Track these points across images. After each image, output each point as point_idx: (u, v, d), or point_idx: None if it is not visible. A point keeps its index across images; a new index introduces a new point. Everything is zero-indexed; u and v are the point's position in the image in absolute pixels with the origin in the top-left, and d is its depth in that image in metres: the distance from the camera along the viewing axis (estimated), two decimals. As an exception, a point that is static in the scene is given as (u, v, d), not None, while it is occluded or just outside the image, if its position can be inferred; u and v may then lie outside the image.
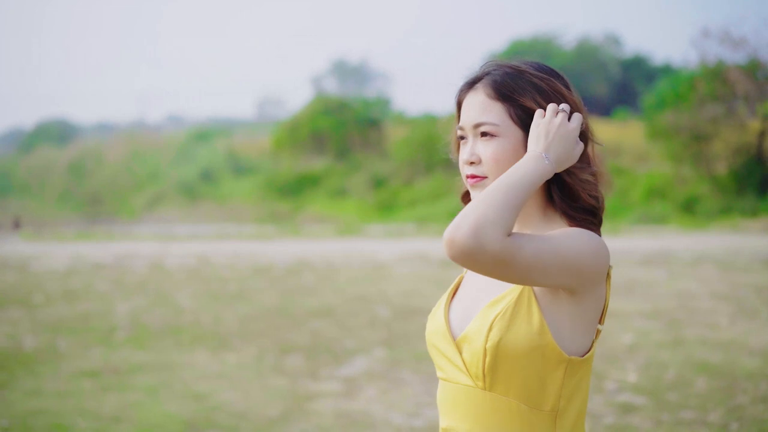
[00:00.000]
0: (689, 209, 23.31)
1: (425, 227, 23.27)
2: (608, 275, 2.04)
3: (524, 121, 2.06)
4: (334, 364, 7.70)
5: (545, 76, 2.10)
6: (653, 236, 19.04)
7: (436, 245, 17.38)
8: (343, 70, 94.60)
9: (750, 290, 11.17)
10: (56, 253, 16.46)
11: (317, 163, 37.58)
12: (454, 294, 2.23)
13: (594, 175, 2.08)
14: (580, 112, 2.08)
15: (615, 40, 56.70)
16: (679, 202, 23.95)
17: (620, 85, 51.90)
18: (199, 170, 42.32)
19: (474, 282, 2.16)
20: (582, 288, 1.97)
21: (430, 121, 37.29)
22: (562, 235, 1.95)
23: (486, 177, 2.07)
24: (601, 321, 2.06)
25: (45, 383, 7.05)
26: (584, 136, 2.09)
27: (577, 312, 2.00)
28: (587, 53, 53.60)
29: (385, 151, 36.68)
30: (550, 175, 1.97)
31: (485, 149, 2.07)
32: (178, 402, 6.52)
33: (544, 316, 1.98)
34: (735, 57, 24.64)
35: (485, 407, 2.04)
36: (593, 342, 2.05)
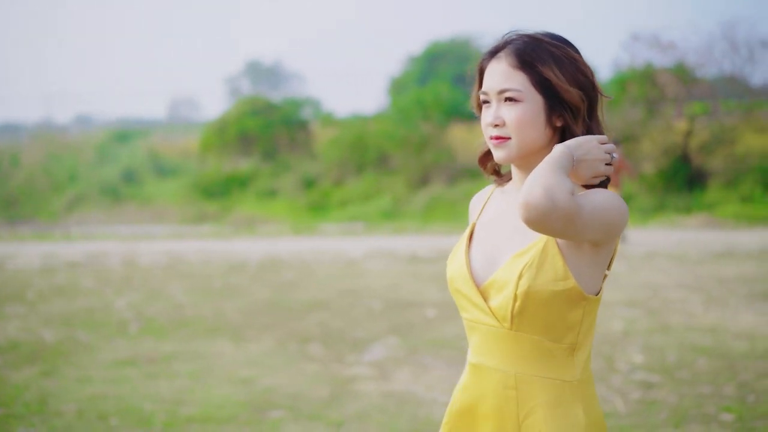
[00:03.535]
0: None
1: (377, 226, 23.72)
2: None
3: (545, 87, 2.29)
4: (355, 351, 8.14)
5: (559, 44, 2.32)
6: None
7: (399, 242, 17.88)
8: (257, 71, 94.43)
9: (712, 281, 11.90)
10: (21, 252, 16.51)
11: (245, 164, 37.69)
12: (470, 240, 2.48)
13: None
14: (591, 75, 2.33)
15: (517, 29, 57.62)
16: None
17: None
18: (121, 171, 42.01)
19: (493, 231, 2.42)
20: (606, 240, 2.24)
21: (358, 121, 37.75)
22: (600, 196, 2.20)
23: (509, 138, 2.31)
24: (608, 267, 2.33)
25: (90, 372, 7.36)
26: (592, 100, 2.34)
27: (595, 260, 2.26)
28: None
29: (314, 151, 36.98)
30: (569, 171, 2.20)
31: (509, 113, 2.30)
32: (228, 386, 6.90)
33: (567, 263, 2.24)
34: (663, 60, 25.69)
35: (511, 344, 2.30)
36: (602, 284, 2.32)
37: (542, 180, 2.09)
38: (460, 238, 2.48)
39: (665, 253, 15.12)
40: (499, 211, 2.45)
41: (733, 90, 27.64)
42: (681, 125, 25.77)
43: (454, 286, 2.42)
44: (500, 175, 2.52)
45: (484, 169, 2.52)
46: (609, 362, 7.60)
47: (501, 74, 2.31)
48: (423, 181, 31.23)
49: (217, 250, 16.46)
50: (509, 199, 2.44)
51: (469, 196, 17.46)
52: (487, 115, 2.35)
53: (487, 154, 2.49)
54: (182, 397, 6.60)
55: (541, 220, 2.08)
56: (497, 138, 2.33)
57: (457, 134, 32.36)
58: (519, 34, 2.35)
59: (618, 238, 2.29)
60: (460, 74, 48.58)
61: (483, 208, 2.53)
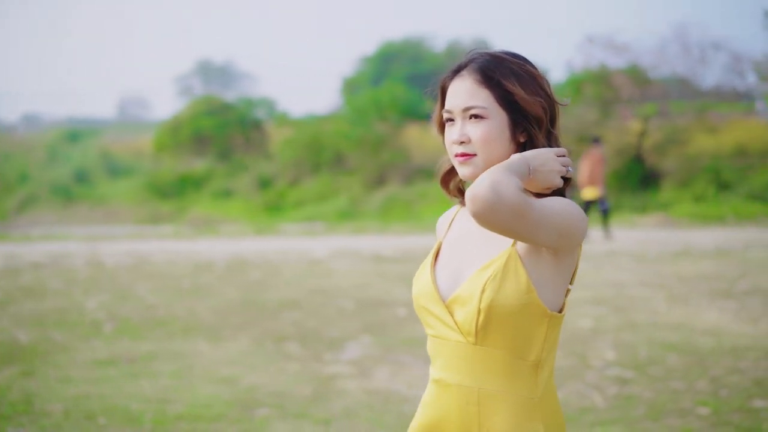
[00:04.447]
0: (581, 207, 24.54)
1: (337, 226, 23.80)
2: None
3: (508, 103, 2.33)
4: (333, 350, 8.24)
5: (519, 60, 2.37)
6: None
7: (361, 242, 17.99)
8: (207, 70, 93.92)
9: (673, 279, 12.15)
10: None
11: (199, 164, 37.57)
12: (435, 258, 2.50)
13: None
14: (549, 88, 2.38)
15: (484, 44, 58.36)
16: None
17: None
18: (72, 171, 41.70)
19: (458, 248, 2.44)
20: (565, 248, 2.27)
21: (314, 121, 37.80)
22: (558, 201, 2.24)
23: (475, 155, 2.34)
24: (571, 281, 2.37)
25: (70, 372, 7.38)
26: (553, 112, 2.39)
27: (557, 271, 2.29)
28: (457, 56, 54.43)
29: (269, 151, 36.98)
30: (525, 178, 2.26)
31: (475, 130, 2.33)
32: (211, 385, 6.97)
33: (529, 276, 2.26)
34: (617, 62, 26.10)
35: (476, 359, 2.31)
36: (565, 300, 2.35)
37: (490, 175, 2.13)
38: (427, 256, 2.52)
39: (625, 251, 15.38)
40: (464, 229, 2.48)
41: (685, 91, 28.11)
42: (635, 126, 26.17)
43: (420, 303, 2.44)
44: (464, 194, 2.55)
45: (447, 190, 2.55)
46: (582, 359, 7.77)
47: (465, 92, 2.35)
48: (379, 181, 31.37)
49: (181, 250, 16.46)
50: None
51: (424, 196, 17.63)
52: (452, 133, 2.38)
53: (449, 174, 2.53)
54: (167, 396, 6.66)
55: (487, 213, 2.11)
56: (463, 155, 2.36)
57: (413, 134, 32.54)
58: (480, 53, 2.40)
59: (578, 250, 2.34)
60: (413, 74, 48.87)
61: (449, 226, 2.56)
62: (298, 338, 8.72)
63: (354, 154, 32.43)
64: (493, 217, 2.12)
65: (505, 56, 2.38)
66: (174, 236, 20.34)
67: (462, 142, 2.35)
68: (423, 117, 33.48)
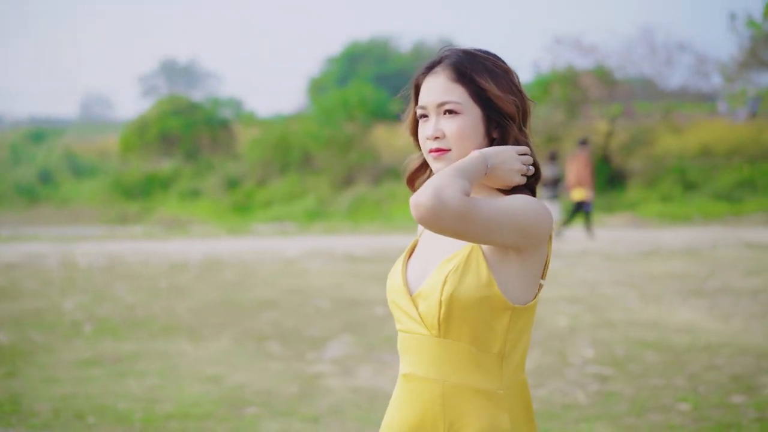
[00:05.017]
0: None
1: (308, 226, 23.84)
2: (550, 237, 2.36)
3: (482, 99, 2.37)
4: (314, 349, 8.31)
5: (492, 58, 2.41)
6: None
7: (333, 242, 18.04)
8: (172, 69, 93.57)
9: (644, 278, 12.33)
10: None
11: (166, 165, 37.44)
12: (410, 255, 2.53)
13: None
14: (520, 84, 2.43)
15: (450, 45, 58.32)
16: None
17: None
18: (37, 172, 41.41)
19: (429, 244, 2.46)
20: (528, 246, 2.29)
21: (281, 121, 37.80)
22: (512, 200, 2.27)
23: (450, 150, 2.36)
24: (543, 276, 2.39)
25: (54, 372, 7.40)
26: (525, 109, 2.43)
27: (523, 268, 2.31)
28: (423, 56, 54.99)
29: (236, 152, 36.92)
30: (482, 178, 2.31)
31: (449, 125, 2.36)
32: (197, 384, 7.02)
33: (491, 271, 2.28)
34: (584, 63, 26.33)
35: (440, 352, 2.34)
36: (536, 294, 2.37)
37: (435, 181, 2.16)
38: (403, 252, 2.55)
39: (596, 251, 15.56)
40: None
41: (651, 92, 28.41)
42: (601, 126, 26.41)
43: (391, 298, 2.48)
44: None
45: (412, 188, 2.55)
46: (562, 357, 7.89)
47: (439, 88, 2.38)
48: (347, 181, 31.42)
49: (154, 250, 16.44)
50: None
51: (393, 196, 17.71)
52: (426, 129, 2.40)
53: (417, 172, 2.55)
54: (155, 395, 6.70)
55: (431, 218, 2.14)
56: (437, 150, 2.38)
57: (381, 135, 32.62)
58: (452, 50, 2.43)
59: (547, 246, 2.35)
60: (380, 74, 48.98)
61: None
62: (279, 338, 8.77)
63: (322, 154, 32.46)
64: (438, 223, 2.16)
65: (477, 53, 2.41)
66: (145, 236, 20.29)
67: (436, 138, 2.37)
68: (391, 117, 33.59)
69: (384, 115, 33.26)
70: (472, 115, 2.37)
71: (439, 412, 2.35)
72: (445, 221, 2.15)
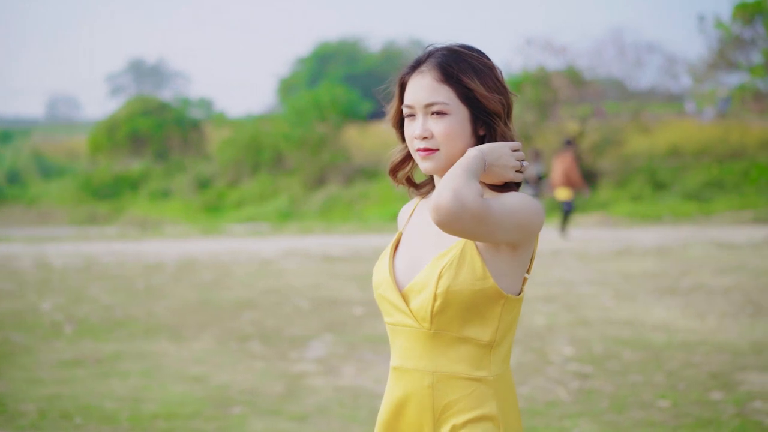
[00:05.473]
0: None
1: (283, 226, 23.86)
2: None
3: (469, 99, 2.40)
4: (296, 348, 8.36)
5: (476, 54, 2.44)
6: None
7: (308, 242, 18.07)
8: (139, 69, 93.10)
9: (617, 277, 12.46)
10: None
11: (136, 165, 37.31)
12: (395, 249, 2.57)
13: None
14: (503, 79, 2.46)
15: (419, 45, 58.70)
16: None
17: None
18: (4, 172, 41.16)
19: (416, 239, 2.51)
20: (523, 242, 2.36)
21: (252, 122, 37.76)
22: (512, 198, 2.32)
23: (438, 149, 2.40)
24: (528, 270, 2.44)
25: (37, 373, 7.41)
26: (510, 105, 2.47)
27: (513, 261, 2.37)
28: (393, 57, 55.09)
29: (207, 152, 36.86)
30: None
31: (437, 126, 2.39)
32: (182, 384, 7.06)
33: (486, 264, 2.34)
34: (555, 64, 26.52)
35: (431, 344, 2.39)
36: (522, 287, 2.43)
37: (452, 183, 2.20)
38: (386, 248, 2.59)
39: (570, 250, 15.70)
40: (423, 221, 2.54)
41: (621, 92, 28.66)
42: (572, 127, 26.60)
43: (378, 292, 2.50)
44: (415, 184, 2.63)
45: (395, 179, 2.61)
46: (541, 355, 7.99)
47: (426, 88, 2.40)
48: (319, 181, 31.45)
49: (128, 251, 16.41)
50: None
51: (365, 196, 17.83)
52: (414, 128, 2.43)
53: (400, 164, 2.59)
54: (140, 395, 6.73)
55: (451, 221, 2.20)
56: (426, 150, 2.41)
57: (353, 135, 32.68)
58: (437, 48, 2.46)
59: (536, 241, 2.41)
60: (349, 75, 49.02)
61: (409, 217, 2.62)
62: (260, 337, 8.82)
63: (294, 154, 32.46)
64: (456, 225, 2.21)
65: (462, 50, 2.44)
66: (119, 237, 20.24)
67: (425, 138, 2.40)
68: (363, 118, 33.68)
69: (355, 116, 33.33)
70: (459, 115, 2.40)
71: (429, 401, 2.40)
72: (464, 222, 2.21)
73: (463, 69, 2.39)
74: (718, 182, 24.83)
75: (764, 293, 10.89)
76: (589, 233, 19.22)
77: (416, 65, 2.46)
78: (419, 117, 2.42)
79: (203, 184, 34.25)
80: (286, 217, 28.67)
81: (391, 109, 2.54)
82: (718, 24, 23.89)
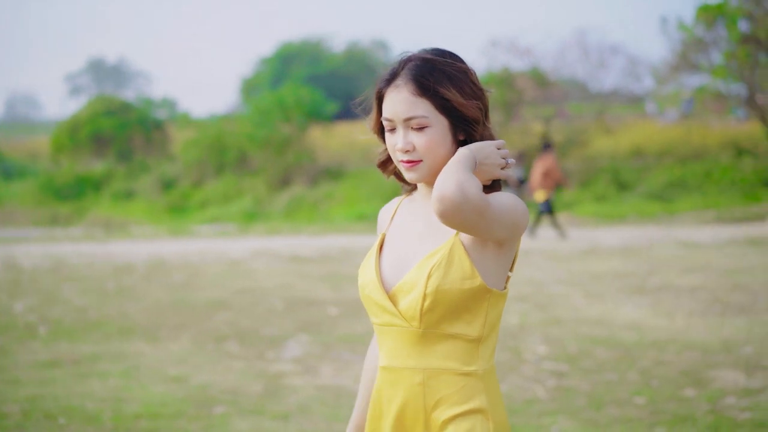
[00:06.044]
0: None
1: (249, 227, 23.85)
2: None
3: (447, 109, 2.42)
4: (273, 349, 8.41)
5: (449, 60, 2.45)
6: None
7: (276, 242, 18.10)
8: (99, 69, 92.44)
9: (586, 277, 12.62)
10: None
11: (98, 165, 37.10)
12: (380, 251, 2.60)
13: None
14: (478, 80, 2.50)
15: (383, 46, 58.86)
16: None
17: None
18: (-37, 173, 40.78)
19: (402, 239, 2.55)
20: (510, 239, 2.42)
21: (216, 122, 37.66)
22: (502, 196, 2.38)
23: (421, 161, 2.44)
24: (511, 269, 2.50)
25: (15, 374, 7.41)
26: (486, 107, 2.51)
27: (499, 259, 2.43)
28: (356, 57, 55.18)
29: (171, 152, 36.74)
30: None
31: (419, 139, 2.42)
32: (162, 384, 7.09)
33: (473, 262, 2.40)
34: (520, 65, 26.76)
35: (420, 342, 2.44)
36: (506, 284, 2.49)
37: (455, 175, 2.25)
38: (371, 247, 2.61)
39: (538, 250, 15.85)
40: (407, 220, 2.58)
41: (584, 94, 28.92)
42: (537, 128, 26.83)
43: (365, 293, 2.52)
44: (404, 179, 2.62)
45: (385, 171, 2.64)
46: (516, 353, 8.10)
47: (404, 102, 2.42)
48: (284, 181, 31.44)
49: (96, 252, 16.37)
50: (416, 209, 2.58)
51: (330, 197, 17.91)
52: (396, 141, 2.46)
53: (386, 162, 2.63)
54: (121, 395, 6.76)
55: (454, 212, 2.24)
56: (409, 162, 2.45)
57: (317, 136, 32.69)
58: (410, 57, 2.47)
59: (519, 240, 2.48)
60: (313, 75, 49.00)
61: (392, 217, 2.65)
62: (237, 338, 8.86)
63: (258, 155, 32.44)
64: (458, 216, 2.25)
65: (435, 58, 2.45)
66: (86, 238, 20.16)
67: (407, 151, 2.44)
68: (327, 118, 33.71)
69: (320, 116, 33.35)
70: (439, 126, 2.43)
71: (420, 398, 2.45)
72: (465, 214, 2.26)
73: (438, 80, 2.42)
74: (681, 182, 25.15)
75: (731, 292, 11.07)
76: (550, 233, 19.38)
77: (391, 78, 2.47)
78: (400, 130, 2.45)
79: (167, 185, 34.12)
80: (251, 217, 28.65)
81: (370, 120, 2.56)
82: (681, 26, 24.18)
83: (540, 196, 18.60)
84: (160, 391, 6.90)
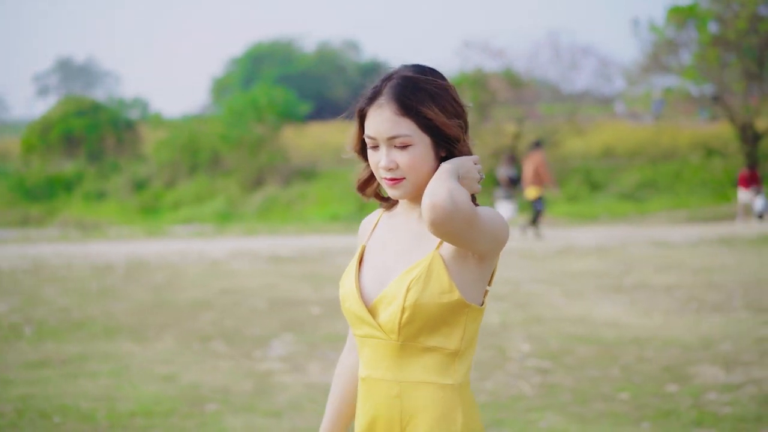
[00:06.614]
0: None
1: (224, 228, 23.88)
2: None
3: (429, 128, 2.43)
4: (259, 348, 8.50)
5: (430, 77, 2.46)
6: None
7: (255, 243, 18.16)
8: (68, 69, 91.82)
9: (563, 276, 12.79)
10: None
11: (69, 166, 36.94)
12: (360, 263, 2.61)
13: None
14: (458, 97, 2.50)
15: (354, 46, 58.91)
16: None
17: (359, 88, 53.04)
18: (-68, 175, 40.45)
19: (382, 252, 2.56)
20: (490, 253, 2.43)
21: (188, 122, 37.64)
22: (489, 211, 2.40)
23: (404, 178, 2.45)
24: (489, 283, 2.50)
25: (5, 374, 7.46)
26: (467, 123, 2.50)
27: (478, 273, 2.45)
28: (327, 58, 55.23)
29: (142, 153, 36.69)
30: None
31: (402, 157, 2.43)
32: (153, 383, 7.17)
33: (452, 277, 2.40)
34: (493, 66, 26.96)
35: (398, 355, 2.45)
36: (484, 299, 2.49)
37: (445, 184, 2.27)
38: (351, 260, 2.61)
39: (514, 250, 16.00)
40: (388, 234, 2.58)
41: (556, 94, 29.16)
42: (509, 128, 27.03)
43: (345, 305, 2.53)
44: (384, 199, 2.65)
45: (363, 194, 2.64)
46: (500, 351, 8.23)
47: (387, 121, 2.42)
48: (257, 182, 31.50)
49: (74, 253, 16.37)
50: (397, 223, 2.58)
51: (303, 197, 18.03)
52: (379, 159, 2.46)
53: (366, 182, 2.63)
54: (113, 394, 6.83)
55: (444, 220, 2.25)
56: (392, 179, 2.46)
57: (290, 136, 32.76)
58: (392, 75, 2.48)
59: (498, 255, 2.48)
60: (284, 75, 49.00)
61: (373, 230, 2.66)
62: (222, 337, 8.94)
63: (231, 155, 32.48)
64: (449, 225, 2.27)
65: (416, 76, 2.46)
66: (61, 239, 20.13)
67: (391, 168, 2.45)
68: (300, 119, 33.79)
69: (293, 117, 33.42)
70: (421, 144, 2.44)
71: (397, 410, 2.47)
72: (455, 223, 2.27)
73: (420, 99, 2.43)
74: (652, 182, 25.43)
75: (706, 290, 11.27)
76: (530, 232, 19.57)
77: (374, 96, 2.48)
78: (383, 148, 2.46)
79: (139, 186, 34.07)
80: (225, 218, 28.69)
81: (351, 138, 2.57)
82: (652, 28, 24.45)
83: (531, 193, 18.78)
84: (152, 389, 6.97)
